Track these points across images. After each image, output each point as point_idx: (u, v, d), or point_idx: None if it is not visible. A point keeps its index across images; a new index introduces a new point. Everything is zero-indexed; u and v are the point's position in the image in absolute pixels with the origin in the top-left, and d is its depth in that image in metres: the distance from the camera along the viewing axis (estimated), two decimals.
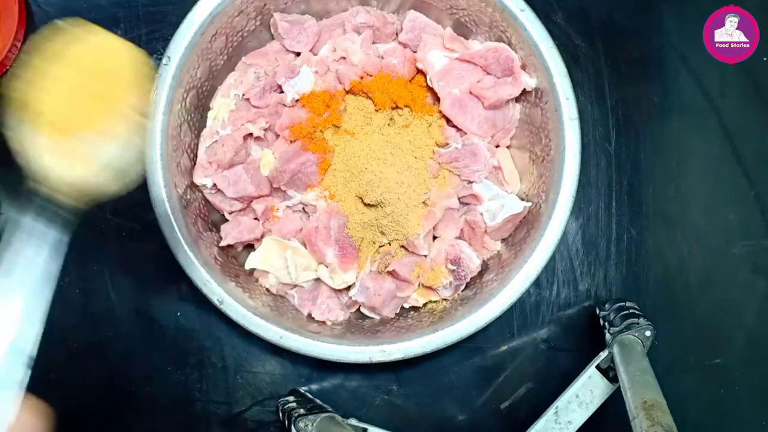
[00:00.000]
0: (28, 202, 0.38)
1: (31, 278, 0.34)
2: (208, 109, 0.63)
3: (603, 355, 0.61)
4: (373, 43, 0.64)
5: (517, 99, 0.63)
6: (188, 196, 0.59)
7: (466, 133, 0.62)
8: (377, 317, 0.63)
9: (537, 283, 0.63)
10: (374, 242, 0.61)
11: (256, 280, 0.62)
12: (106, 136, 0.39)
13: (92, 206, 0.39)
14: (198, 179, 0.60)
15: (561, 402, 0.61)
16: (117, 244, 0.66)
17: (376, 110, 0.61)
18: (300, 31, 0.62)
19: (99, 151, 0.39)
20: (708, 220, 0.70)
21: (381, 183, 0.58)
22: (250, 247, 0.63)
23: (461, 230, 0.63)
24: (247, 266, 0.61)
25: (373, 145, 0.60)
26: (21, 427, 0.29)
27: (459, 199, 0.63)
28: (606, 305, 0.66)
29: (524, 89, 0.60)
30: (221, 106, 0.62)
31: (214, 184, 0.60)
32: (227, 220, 0.63)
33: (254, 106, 0.62)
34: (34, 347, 0.31)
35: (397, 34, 0.65)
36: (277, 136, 0.62)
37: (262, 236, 0.61)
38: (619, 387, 0.58)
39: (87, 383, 0.65)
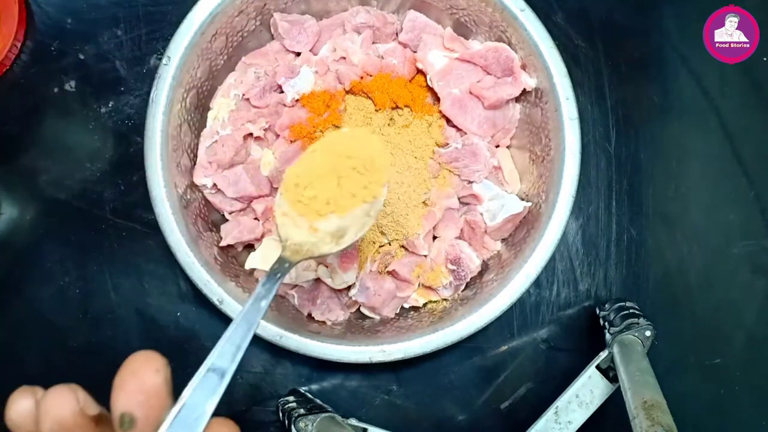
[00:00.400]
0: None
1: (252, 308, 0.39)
2: (208, 109, 0.63)
3: (603, 355, 0.61)
4: (373, 43, 0.64)
5: (517, 99, 0.63)
6: (188, 196, 0.59)
7: (466, 133, 0.62)
8: (377, 317, 0.63)
9: (537, 283, 0.63)
10: (374, 242, 0.61)
11: (256, 280, 0.62)
12: (343, 218, 0.46)
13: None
14: (198, 179, 0.60)
15: (561, 402, 0.61)
16: (117, 244, 0.66)
17: (376, 110, 0.61)
18: (300, 31, 0.63)
19: (332, 227, 0.46)
20: (708, 220, 0.70)
21: None
22: (250, 247, 0.63)
23: (461, 230, 0.63)
24: (247, 266, 0.60)
25: None
26: None
27: (459, 199, 0.63)
28: (606, 305, 0.66)
29: (524, 89, 0.60)
30: (221, 106, 0.62)
31: (214, 184, 0.60)
32: (227, 220, 0.63)
33: (254, 106, 0.62)
34: (232, 372, 0.33)
35: (397, 34, 0.65)
36: (277, 136, 0.62)
37: (262, 236, 0.61)
38: (619, 387, 0.58)
39: (87, 383, 0.65)
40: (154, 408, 0.29)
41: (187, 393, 0.31)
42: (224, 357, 0.34)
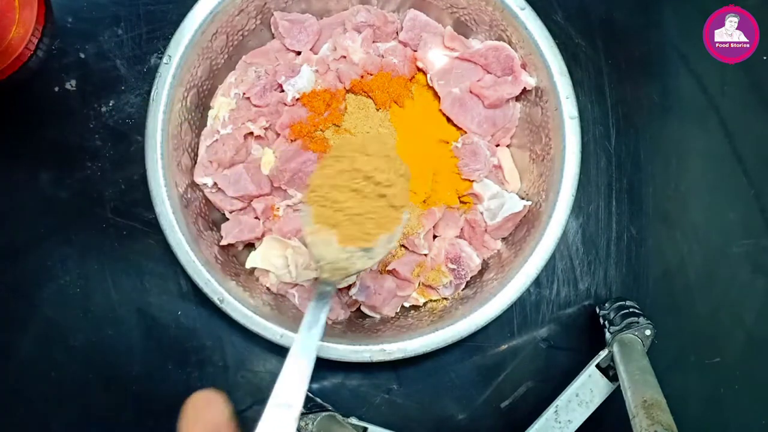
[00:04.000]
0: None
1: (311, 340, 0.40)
2: (209, 108, 0.63)
3: (603, 354, 0.61)
4: (374, 42, 0.64)
5: (517, 98, 0.63)
6: (189, 195, 0.59)
7: (466, 132, 0.62)
8: (377, 316, 0.63)
9: (537, 282, 0.63)
10: None
11: (257, 279, 0.63)
12: (376, 245, 0.46)
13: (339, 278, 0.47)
14: (198, 178, 0.60)
15: (561, 401, 0.61)
16: (118, 243, 0.66)
17: (377, 109, 0.61)
18: (300, 30, 0.63)
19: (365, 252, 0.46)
20: (708, 219, 0.70)
21: None
22: (250, 246, 0.63)
23: (461, 229, 0.63)
24: (248, 265, 0.61)
25: None
26: None
27: (459, 198, 0.63)
28: (606, 304, 0.66)
29: (524, 88, 0.61)
30: (222, 105, 0.62)
31: (215, 183, 0.60)
32: (228, 219, 0.63)
33: (255, 105, 0.62)
34: (300, 403, 0.34)
35: (397, 32, 0.65)
36: (278, 135, 0.62)
37: (263, 235, 0.61)
38: (619, 386, 0.58)
39: (87, 382, 0.65)
40: None
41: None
42: (290, 391, 0.34)
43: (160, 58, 0.57)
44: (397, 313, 0.63)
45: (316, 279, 0.47)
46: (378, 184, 0.46)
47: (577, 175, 0.57)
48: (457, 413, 0.68)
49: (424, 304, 0.63)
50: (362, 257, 0.46)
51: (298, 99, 0.61)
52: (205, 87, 0.61)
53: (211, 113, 0.63)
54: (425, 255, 0.61)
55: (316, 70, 0.62)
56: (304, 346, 0.38)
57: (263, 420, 0.32)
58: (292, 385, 0.34)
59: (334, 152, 0.48)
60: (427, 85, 0.63)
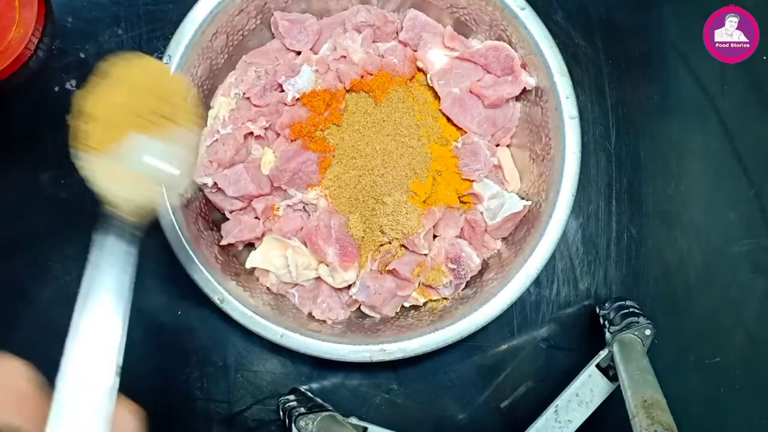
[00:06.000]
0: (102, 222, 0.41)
1: (109, 291, 0.38)
2: (209, 107, 0.63)
3: (603, 353, 0.61)
4: (374, 41, 0.64)
5: (517, 98, 0.63)
6: (189, 195, 0.59)
7: (466, 132, 0.62)
8: (378, 316, 0.63)
9: (537, 282, 0.63)
10: (375, 241, 0.61)
11: (257, 279, 0.63)
12: (147, 142, 0.41)
13: (153, 220, 0.42)
14: (198, 178, 0.60)
15: (561, 401, 0.61)
16: None
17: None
18: (300, 30, 0.63)
19: (144, 165, 0.41)
20: (708, 218, 0.70)
21: None
22: (250, 246, 0.63)
23: (461, 229, 0.63)
24: (248, 265, 0.61)
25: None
26: (120, 426, 0.31)
27: (459, 197, 0.63)
28: (606, 304, 0.66)
29: (524, 88, 0.61)
30: (222, 104, 0.62)
31: (215, 183, 0.60)
32: (228, 219, 0.63)
33: (255, 105, 0.62)
34: (119, 356, 0.34)
35: (397, 32, 0.65)
36: (278, 135, 0.62)
37: (263, 235, 0.61)
38: (618, 386, 0.58)
39: None
40: (32, 412, 0.28)
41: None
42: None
43: (160, 58, 0.57)
44: (397, 313, 0.63)
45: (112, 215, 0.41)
46: (163, 101, 0.42)
47: (577, 175, 0.57)
48: (457, 413, 0.68)
49: (424, 304, 0.63)
50: (161, 167, 0.41)
51: (298, 99, 0.61)
52: (205, 87, 0.61)
53: (211, 113, 0.63)
54: (425, 255, 0.61)
55: (316, 70, 0.62)
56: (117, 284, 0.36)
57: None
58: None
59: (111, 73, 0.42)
60: (427, 85, 0.63)
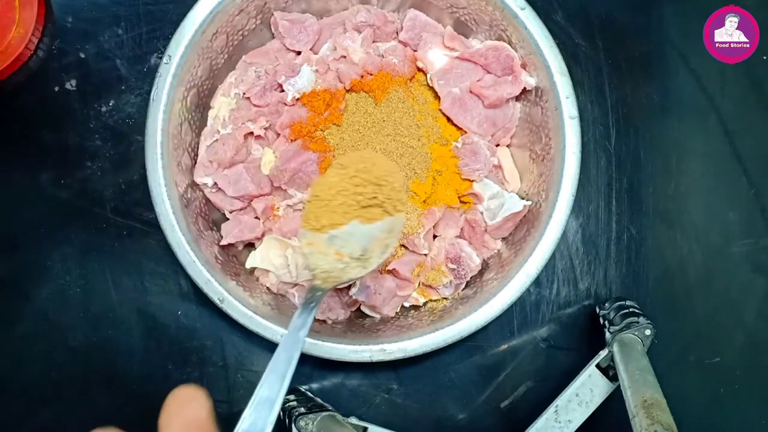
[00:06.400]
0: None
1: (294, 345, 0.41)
2: (209, 108, 0.63)
3: (603, 353, 0.61)
4: (374, 41, 0.64)
5: (517, 98, 0.63)
6: (189, 195, 0.59)
7: (466, 132, 0.62)
8: (378, 316, 0.63)
9: (537, 281, 0.63)
10: None
11: (257, 279, 0.63)
12: (363, 229, 0.47)
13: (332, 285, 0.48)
14: (199, 178, 0.60)
15: (561, 401, 0.61)
16: (118, 243, 0.66)
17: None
18: (300, 30, 0.63)
19: (357, 250, 0.47)
20: (708, 218, 0.70)
21: None
22: (250, 246, 0.63)
23: (461, 229, 0.63)
24: (248, 265, 0.61)
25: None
26: None
27: (459, 197, 0.63)
28: (606, 304, 0.66)
29: (524, 88, 0.61)
30: (222, 104, 0.62)
31: (215, 183, 0.60)
32: (228, 219, 0.63)
33: (255, 105, 0.62)
34: (281, 400, 0.36)
35: (397, 32, 0.65)
36: (278, 134, 0.62)
37: (263, 235, 0.61)
38: (618, 386, 0.58)
39: (88, 382, 0.65)
40: None
41: (241, 426, 0.33)
42: (272, 388, 0.36)
43: (160, 58, 0.57)
44: (397, 313, 0.63)
45: (308, 281, 0.47)
46: (379, 188, 0.47)
47: (577, 175, 0.57)
48: (457, 413, 0.68)
49: (424, 304, 0.63)
50: (356, 267, 0.47)
51: (298, 99, 0.61)
52: (205, 87, 0.61)
53: (211, 113, 0.63)
54: (425, 255, 0.61)
55: (316, 70, 0.62)
56: (290, 347, 0.39)
57: (246, 414, 0.34)
58: (275, 382, 0.36)
59: (339, 161, 0.49)
60: (427, 85, 0.63)
